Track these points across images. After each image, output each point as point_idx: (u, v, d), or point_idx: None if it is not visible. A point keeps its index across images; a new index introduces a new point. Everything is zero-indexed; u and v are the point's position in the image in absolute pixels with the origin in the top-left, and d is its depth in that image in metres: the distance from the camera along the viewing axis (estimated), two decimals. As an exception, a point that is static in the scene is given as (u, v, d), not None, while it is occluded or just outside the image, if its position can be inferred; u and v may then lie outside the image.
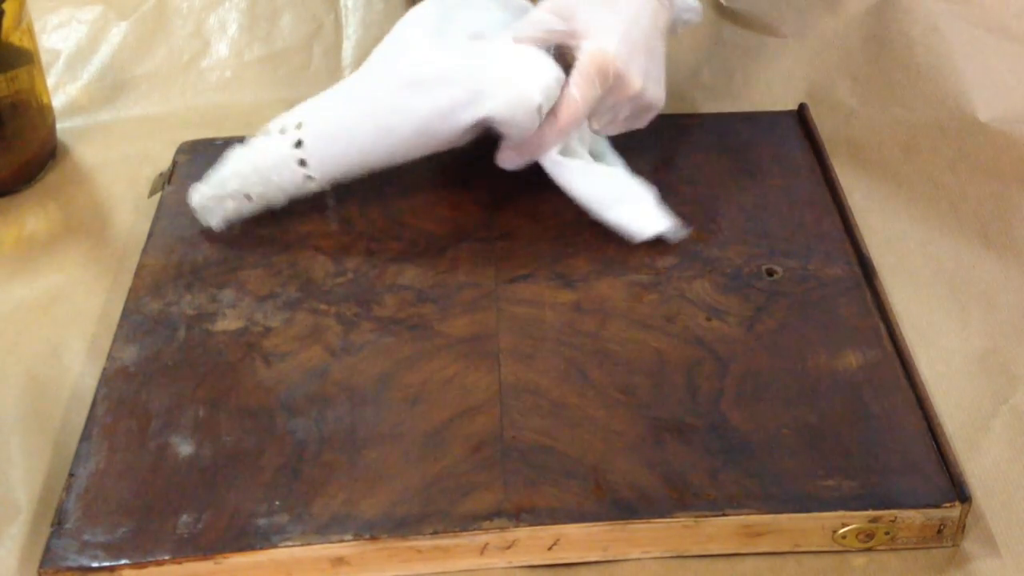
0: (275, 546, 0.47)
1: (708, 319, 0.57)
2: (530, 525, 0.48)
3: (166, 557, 0.47)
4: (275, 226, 0.63)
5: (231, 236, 0.62)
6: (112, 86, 0.77)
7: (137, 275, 0.61)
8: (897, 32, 0.72)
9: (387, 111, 0.59)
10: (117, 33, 0.80)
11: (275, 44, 0.79)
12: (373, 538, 0.48)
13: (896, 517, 0.48)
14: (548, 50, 0.59)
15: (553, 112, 0.59)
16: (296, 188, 0.61)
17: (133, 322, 0.58)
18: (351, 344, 0.56)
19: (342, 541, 0.48)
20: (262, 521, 0.48)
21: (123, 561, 0.47)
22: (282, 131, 0.60)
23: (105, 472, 0.51)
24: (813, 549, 0.49)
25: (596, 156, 0.64)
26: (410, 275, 0.60)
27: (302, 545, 0.47)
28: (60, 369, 0.58)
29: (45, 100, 0.71)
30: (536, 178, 0.65)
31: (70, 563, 0.47)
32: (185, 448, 0.51)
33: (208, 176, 0.62)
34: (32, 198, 0.69)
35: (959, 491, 0.48)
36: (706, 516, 0.48)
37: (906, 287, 0.60)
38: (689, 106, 0.72)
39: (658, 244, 0.61)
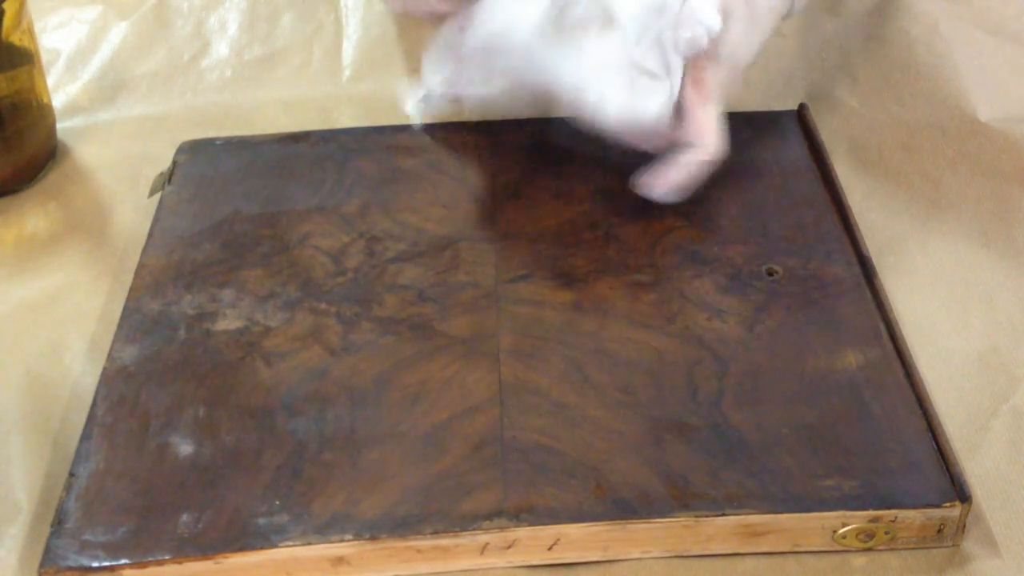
0: (275, 546, 0.47)
1: (708, 319, 0.56)
2: (530, 525, 0.48)
3: (166, 557, 0.47)
4: (275, 226, 0.63)
5: (231, 236, 0.62)
6: (112, 86, 0.77)
7: (137, 275, 0.61)
8: (897, 32, 0.72)
9: None
10: (117, 33, 0.80)
11: (275, 44, 0.79)
12: (373, 538, 0.48)
13: (896, 517, 0.48)
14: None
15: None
16: None
17: (133, 322, 0.58)
18: (351, 344, 0.56)
19: (342, 541, 0.48)
20: (262, 521, 0.48)
21: (123, 561, 0.47)
22: None
23: (105, 472, 0.51)
24: (813, 549, 0.49)
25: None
26: (410, 275, 0.60)
27: (302, 545, 0.47)
28: (60, 369, 0.58)
29: (45, 100, 0.71)
30: (536, 177, 0.65)
31: (70, 563, 0.47)
32: (185, 448, 0.51)
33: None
34: (32, 198, 0.69)
35: (959, 491, 0.48)
36: (706, 516, 0.48)
37: (906, 287, 0.60)
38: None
39: (658, 244, 0.61)
